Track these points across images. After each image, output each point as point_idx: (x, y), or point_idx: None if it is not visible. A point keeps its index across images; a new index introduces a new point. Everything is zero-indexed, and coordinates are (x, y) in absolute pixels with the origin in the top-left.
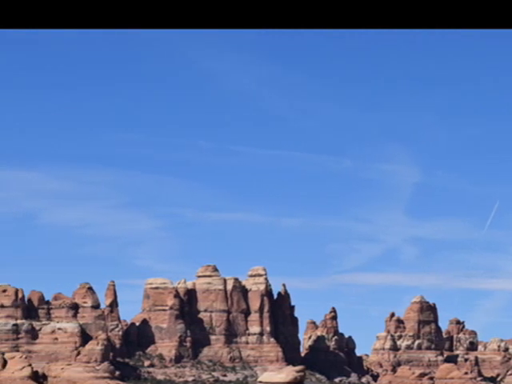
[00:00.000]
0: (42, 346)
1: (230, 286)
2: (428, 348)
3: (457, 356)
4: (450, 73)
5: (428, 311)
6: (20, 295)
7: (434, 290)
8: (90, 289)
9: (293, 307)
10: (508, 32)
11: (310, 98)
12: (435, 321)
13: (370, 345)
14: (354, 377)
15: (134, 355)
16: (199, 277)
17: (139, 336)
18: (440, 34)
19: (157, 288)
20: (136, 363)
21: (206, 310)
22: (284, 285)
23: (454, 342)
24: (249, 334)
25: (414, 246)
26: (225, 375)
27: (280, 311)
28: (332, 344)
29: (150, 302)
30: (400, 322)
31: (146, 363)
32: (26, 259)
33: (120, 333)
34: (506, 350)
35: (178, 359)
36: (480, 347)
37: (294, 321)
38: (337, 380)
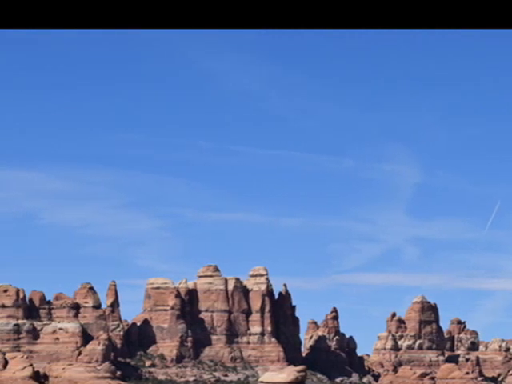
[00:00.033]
0: (43, 346)
1: (231, 286)
2: (429, 348)
3: (458, 356)
4: (450, 73)
5: (429, 311)
6: (21, 295)
7: (435, 290)
8: (91, 289)
9: (294, 307)
10: (508, 32)
11: (310, 98)
12: (436, 321)
13: (371, 345)
14: (355, 377)
15: (135, 355)
16: (200, 277)
17: (140, 336)
18: (440, 33)
19: (158, 288)
20: (137, 363)
21: (207, 310)
22: (285, 285)
23: (455, 342)
24: (250, 334)
25: (415, 246)
26: (226, 375)
27: (281, 311)
28: (333, 344)
29: (151, 301)
30: (401, 322)
31: (148, 363)
32: (27, 259)
33: (121, 333)
34: (508, 350)
35: (179, 359)
36: (481, 347)
37: (295, 321)
38: (338, 380)
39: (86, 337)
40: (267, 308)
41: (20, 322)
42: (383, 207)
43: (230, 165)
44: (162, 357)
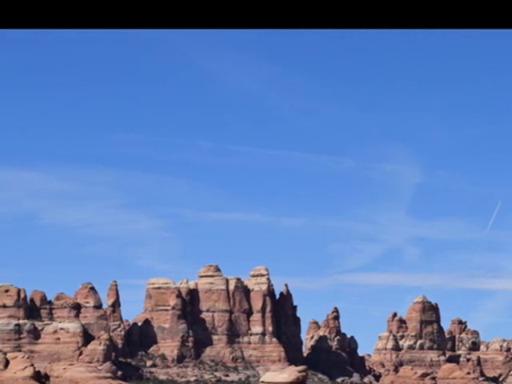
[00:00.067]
0: (44, 346)
1: (232, 286)
2: (430, 348)
3: (459, 356)
4: (450, 73)
5: (430, 311)
6: (22, 295)
7: (436, 290)
8: (92, 289)
9: (295, 307)
10: (508, 32)
11: (310, 98)
12: (437, 321)
13: (372, 345)
14: (356, 377)
15: (137, 355)
16: (201, 277)
17: (141, 336)
18: (440, 33)
19: (159, 288)
20: (138, 363)
21: (208, 310)
22: (286, 285)
23: (457, 342)
24: (251, 334)
25: (416, 246)
26: (227, 375)
27: (282, 311)
28: (334, 344)
29: (152, 302)
30: (402, 321)
31: (149, 363)
32: (28, 259)
33: (122, 333)
34: (509, 349)
35: (180, 359)
36: (482, 347)
37: (296, 321)
38: (339, 380)
39: (87, 337)
40: (268, 308)
41: (21, 322)
42: (384, 207)
43: (230, 165)
44: (163, 357)
